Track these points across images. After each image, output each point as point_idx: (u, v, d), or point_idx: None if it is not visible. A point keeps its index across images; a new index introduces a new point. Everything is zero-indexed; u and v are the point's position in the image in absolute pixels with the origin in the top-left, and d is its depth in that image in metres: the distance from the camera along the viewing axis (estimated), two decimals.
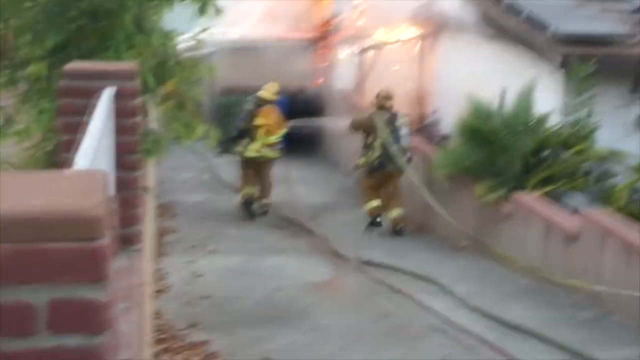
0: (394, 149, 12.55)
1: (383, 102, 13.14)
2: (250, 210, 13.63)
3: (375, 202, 12.96)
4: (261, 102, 13.82)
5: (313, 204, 14.81)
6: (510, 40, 13.27)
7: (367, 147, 12.98)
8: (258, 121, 13.58)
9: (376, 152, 12.75)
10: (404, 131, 12.90)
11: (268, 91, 13.87)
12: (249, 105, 13.91)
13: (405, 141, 12.83)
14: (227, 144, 13.63)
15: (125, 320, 3.43)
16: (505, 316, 8.49)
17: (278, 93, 14.02)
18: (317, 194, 15.87)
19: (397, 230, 12.63)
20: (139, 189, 4.95)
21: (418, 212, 13.39)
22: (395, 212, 12.67)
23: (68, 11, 6.33)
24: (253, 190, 13.70)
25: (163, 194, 15.01)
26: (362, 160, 13.10)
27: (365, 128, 13.15)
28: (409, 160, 12.79)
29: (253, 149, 13.52)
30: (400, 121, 13.01)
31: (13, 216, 1.67)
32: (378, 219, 12.98)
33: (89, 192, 1.82)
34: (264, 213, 13.77)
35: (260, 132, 13.50)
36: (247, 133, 13.57)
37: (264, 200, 13.85)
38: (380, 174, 12.80)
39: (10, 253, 1.65)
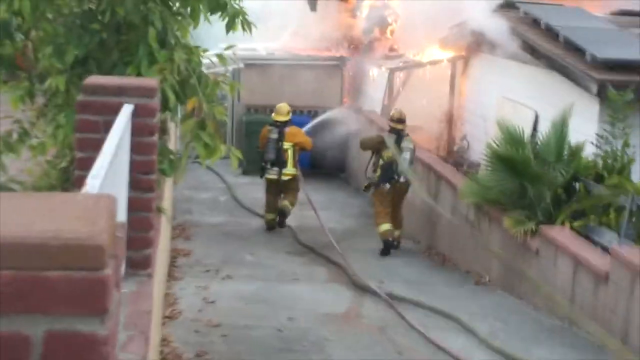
0: (400, 167, 13.25)
1: (394, 125, 13.70)
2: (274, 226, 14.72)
3: (386, 226, 13.39)
4: (280, 126, 14.55)
5: (332, 230, 14.79)
6: (546, 65, 13.23)
7: (375, 166, 13.60)
8: (285, 145, 14.45)
9: (379, 171, 13.44)
10: (407, 154, 13.46)
11: (280, 114, 14.67)
12: (273, 135, 14.54)
13: (405, 164, 13.38)
14: (258, 170, 15.01)
15: (129, 349, 3.42)
16: (526, 358, 8.39)
17: (289, 112, 14.75)
18: (336, 220, 15.86)
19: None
20: (153, 211, 4.95)
21: (443, 244, 13.35)
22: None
23: (90, 24, 6.38)
24: (274, 216, 14.68)
25: (179, 214, 15.06)
26: (365, 184, 13.86)
27: (374, 147, 13.71)
28: (407, 182, 13.47)
29: (286, 173, 14.47)
30: (404, 144, 13.51)
31: (13, 242, 1.66)
32: (392, 240, 13.42)
33: (94, 219, 1.81)
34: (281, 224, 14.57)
35: (289, 154, 14.46)
36: (278, 161, 14.44)
37: (286, 203, 14.57)
38: (385, 191, 13.36)
39: (9, 280, 1.64)
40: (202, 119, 6.56)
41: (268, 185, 14.70)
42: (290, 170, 14.47)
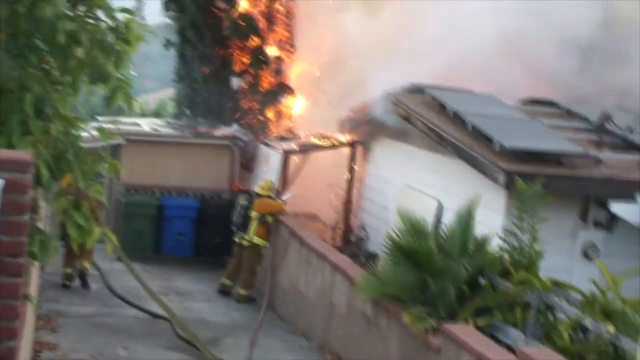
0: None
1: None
2: (223, 293, 17.31)
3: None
4: (254, 195, 17.27)
5: (216, 323, 14.76)
6: (453, 154, 13.57)
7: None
8: (252, 214, 16.94)
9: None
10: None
11: (261, 187, 17.31)
12: (243, 201, 17.41)
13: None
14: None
15: None
16: None
17: (271, 188, 17.35)
18: (221, 313, 15.85)
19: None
20: (20, 298, 4.89)
21: (337, 341, 13.41)
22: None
23: None
24: (229, 282, 17.28)
25: (44, 303, 14.75)
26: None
27: None
28: None
29: (246, 239, 16.94)
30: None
31: None
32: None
33: None
34: (242, 301, 16.72)
35: (254, 223, 16.89)
36: (243, 227, 17.07)
37: (241, 291, 16.89)
38: None
39: None
40: (76, 198, 6.53)
41: (234, 250, 17.40)
42: (250, 237, 16.89)
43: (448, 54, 16.21)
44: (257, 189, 17.37)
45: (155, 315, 14.97)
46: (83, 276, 16.70)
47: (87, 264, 16.91)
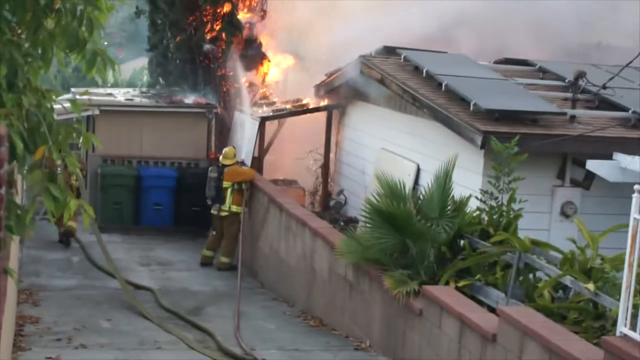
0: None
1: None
2: (206, 265, 17.47)
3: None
4: (221, 166, 17.23)
5: (198, 292, 14.74)
6: (429, 115, 13.56)
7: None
8: (225, 184, 17.03)
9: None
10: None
11: (226, 157, 17.34)
12: (213, 174, 17.37)
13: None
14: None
15: None
16: None
17: (235, 155, 17.41)
18: (202, 282, 15.86)
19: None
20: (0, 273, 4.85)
21: (319, 307, 13.44)
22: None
23: None
24: (210, 253, 17.48)
25: (25, 277, 14.71)
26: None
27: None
28: None
29: (224, 210, 17.08)
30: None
31: None
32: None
33: None
34: (223, 269, 16.98)
35: (228, 193, 17.03)
36: (218, 199, 17.19)
37: (222, 259, 17.09)
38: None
39: None
40: (52, 170, 6.47)
41: (212, 222, 17.48)
42: (227, 207, 16.99)
43: (433, 12, 16.24)
44: (222, 159, 17.39)
45: (138, 286, 14.96)
46: (68, 235, 17.76)
47: (73, 223, 17.44)
